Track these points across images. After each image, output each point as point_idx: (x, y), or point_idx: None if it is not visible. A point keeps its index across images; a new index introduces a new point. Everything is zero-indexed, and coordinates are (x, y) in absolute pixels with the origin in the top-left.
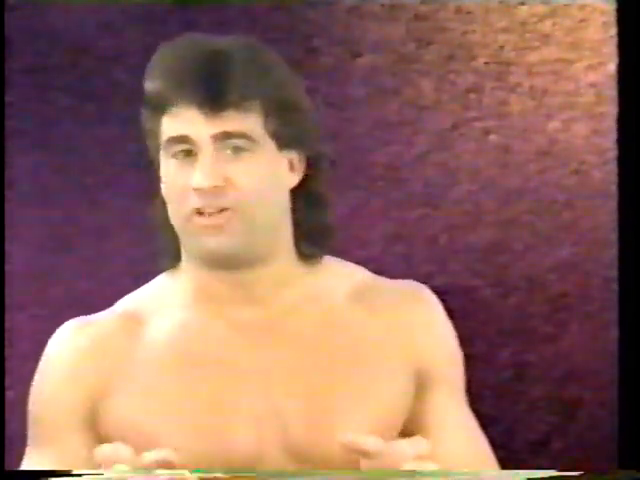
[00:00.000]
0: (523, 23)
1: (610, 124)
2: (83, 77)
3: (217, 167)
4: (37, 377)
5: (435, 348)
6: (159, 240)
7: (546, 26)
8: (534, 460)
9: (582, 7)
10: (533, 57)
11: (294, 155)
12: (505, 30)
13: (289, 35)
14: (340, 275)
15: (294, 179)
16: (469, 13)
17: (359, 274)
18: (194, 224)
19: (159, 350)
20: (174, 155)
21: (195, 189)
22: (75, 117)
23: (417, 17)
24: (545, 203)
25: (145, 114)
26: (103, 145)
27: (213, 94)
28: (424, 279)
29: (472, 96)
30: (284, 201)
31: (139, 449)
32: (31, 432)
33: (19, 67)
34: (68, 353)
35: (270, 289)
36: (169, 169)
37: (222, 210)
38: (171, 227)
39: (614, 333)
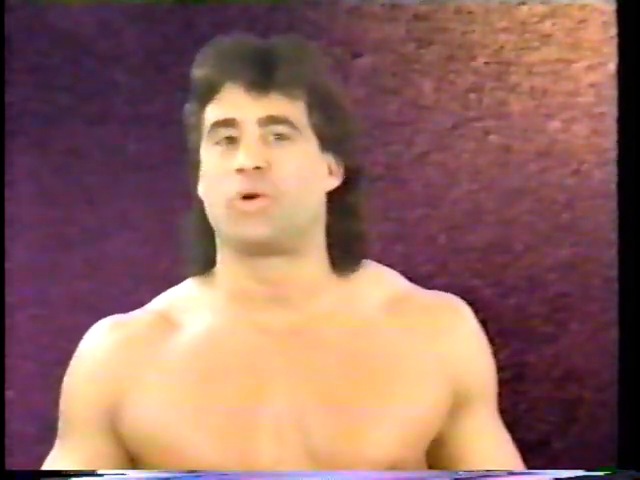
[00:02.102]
0: (523, 23)
1: (610, 124)
2: (83, 77)
3: (260, 150)
4: (68, 373)
5: (475, 364)
6: (190, 246)
7: (546, 26)
8: (534, 460)
9: (582, 7)
10: (533, 57)
11: (333, 160)
12: (505, 30)
13: (289, 35)
14: (375, 282)
15: (332, 183)
16: (469, 13)
17: (394, 282)
18: (234, 209)
19: (189, 354)
20: (217, 142)
21: (238, 170)
22: (75, 117)
23: (417, 17)
24: (545, 203)
25: (190, 107)
26: (103, 145)
27: (260, 76)
28: (424, 279)
29: (472, 96)
30: (320, 201)
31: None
32: (59, 426)
33: (19, 67)
34: (98, 352)
35: (303, 292)
36: (211, 156)
37: (262, 195)
38: (205, 232)
39: (614, 333)
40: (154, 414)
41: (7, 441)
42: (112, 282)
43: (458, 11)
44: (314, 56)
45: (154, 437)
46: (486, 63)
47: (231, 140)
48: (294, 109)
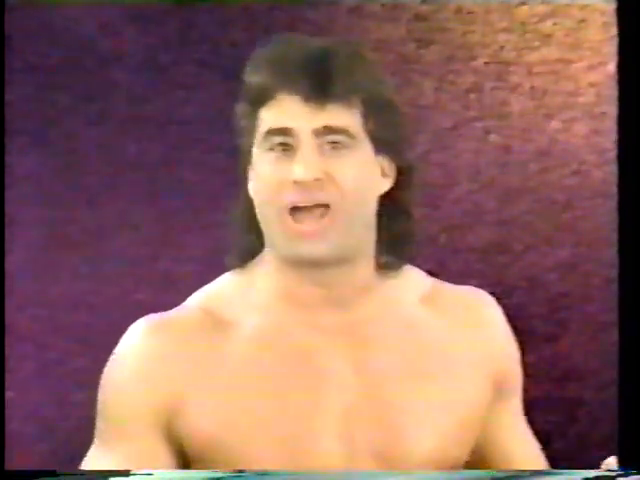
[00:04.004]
0: (523, 23)
1: (610, 124)
2: (83, 77)
3: (318, 161)
4: (108, 373)
5: (509, 357)
6: (234, 238)
7: (546, 26)
8: None
9: (582, 7)
10: (533, 57)
11: (386, 162)
12: (505, 30)
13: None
14: (410, 280)
15: (385, 185)
16: (469, 13)
17: (423, 278)
18: (290, 228)
19: (239, 354)
20: (271, 148)
21: (295, 182)
22: (75, 117)
23: (417, 17)
24: (545, 203)
25: (241, 110)
26: (103, 145)
27: (318, 87)
28: None
29: (472, 96)
30: (374, 205)
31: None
32: (99, 428)
33: (19, 67)
34: (143, 352)
35: (351, 292)
36: (264, 162)
37: (319, 206)
38: (251, 225)
39: (614, 333)
40: (213, 415)
41: (7, 441)
42: (112, 282)
43: (458, 11)
44: (369, 62)
45: (214, 438)
46: (486, 63)
47: (286, 147)
48: (351, 118)
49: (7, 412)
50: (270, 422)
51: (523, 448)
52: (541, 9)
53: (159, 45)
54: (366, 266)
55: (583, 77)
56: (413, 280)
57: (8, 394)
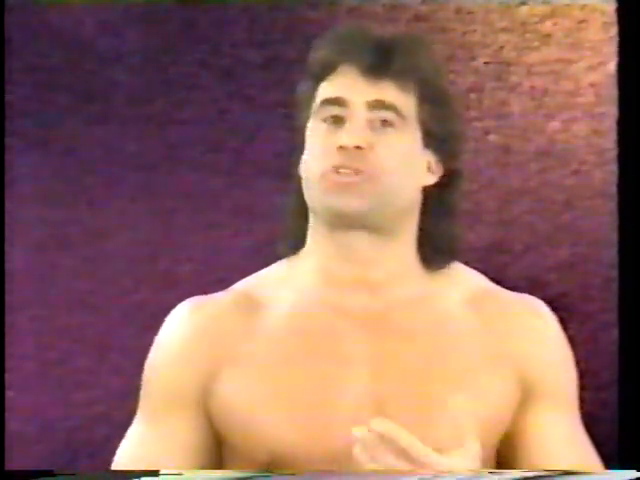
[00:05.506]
0: (523, 23)
1: (610, 124)
2: (83, 77)
3: (365, 132)
4: (151, 352)
5: (544, 362)
6: (286, 225)
7: (546, 26)
8: None
9: (582, 7)
10: (533, 57)
11: (434, 158)
12: (505, 30)
13: (289, 35)
14: (458, 279)
15: (429, 179)
16: (469, 13)
17: (477, 280)
18: (327, 180)
19: (273, 335)
20: (324, 119)
21: (340, 147)
22: (75, 117)
23: (417, 17)
24: (545, 203)
25: (304, 86)
26: (103, 145)
27: (376, 61)
28: None
29: (472, 96)
30: (416, 193)
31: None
32: (141, 405)
33: (19, 67)
34: (182, 332)
35: (389, 276)
36: (316, 132)
37: (357, 172)
38: (300, 212)
39: (614, 333)
40: (236, 393)
41: (7, 441)
42: (112, 282)
43: (458, 11)
44: (431, 53)
45: (237, 415)
46: (486, 63)
47: (338, 119)
48: (404, 99)
49: (7, 412)
50: (287, 403)
51: (555, 451)
52: (541, 9)
53: (159, 45)
54: (404, 252)
55: (583, 77)
56: (459, 278)
57: (8, 394)
